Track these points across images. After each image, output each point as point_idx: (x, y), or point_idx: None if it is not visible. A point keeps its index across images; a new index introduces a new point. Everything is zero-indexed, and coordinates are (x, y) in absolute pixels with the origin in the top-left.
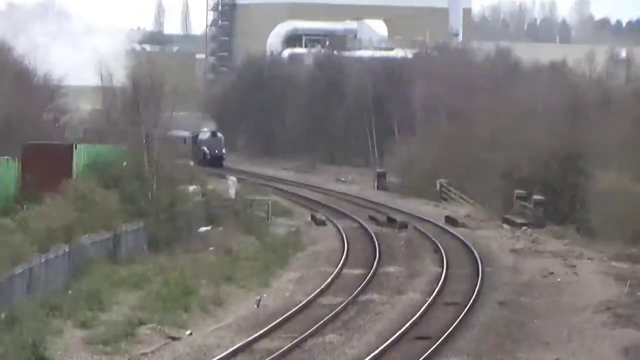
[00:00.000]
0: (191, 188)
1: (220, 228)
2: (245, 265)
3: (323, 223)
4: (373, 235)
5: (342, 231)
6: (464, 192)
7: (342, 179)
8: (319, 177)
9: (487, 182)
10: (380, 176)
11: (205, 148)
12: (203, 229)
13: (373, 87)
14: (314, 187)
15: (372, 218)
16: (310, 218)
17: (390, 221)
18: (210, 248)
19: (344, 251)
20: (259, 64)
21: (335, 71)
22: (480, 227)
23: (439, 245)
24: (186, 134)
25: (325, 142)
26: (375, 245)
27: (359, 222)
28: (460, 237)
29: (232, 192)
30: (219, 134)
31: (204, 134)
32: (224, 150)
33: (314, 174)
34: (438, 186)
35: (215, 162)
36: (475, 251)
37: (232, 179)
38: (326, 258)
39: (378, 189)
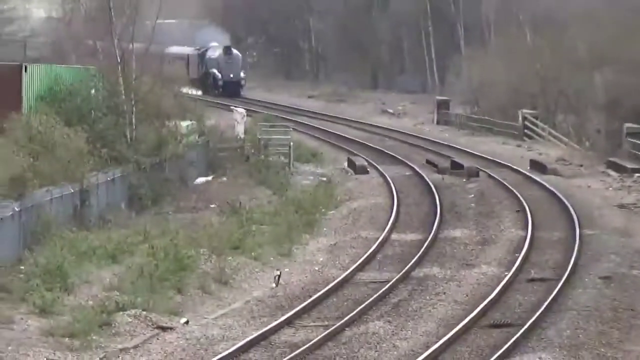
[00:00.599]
0: (184, 124)
1: (225, 178)
2: (260, 228)
3: (364, 170)
4: (432, 187)
5: (390, 181)
6: (555, 128)
7: (390, 110)
8: (357, 107)
9: (587, 114)
10: (442, 106)
11: (215, 71)
12: (202, 179)
13: None
14: (350, 122)
15: (430, 163)
16: (346, 164)
17: (456, 167)
18: (212, 205)
19: (392, 209)
20: None
21: None
22: (577, 174)
23: (522, 199)
24: (189, 50)
25: (366, 60)
26: (435, 201)
27: (413, 169)
28: (551, 188)
29: (240, 130)
30: (235, 51)
31: (214, 51)
32: (242, 74)
33: (350, 104)
34: (520, 119)
35: (230, 89)
36: (570, 207)
37: (239, 111)
38: (369, 218)
39: (438, 123)
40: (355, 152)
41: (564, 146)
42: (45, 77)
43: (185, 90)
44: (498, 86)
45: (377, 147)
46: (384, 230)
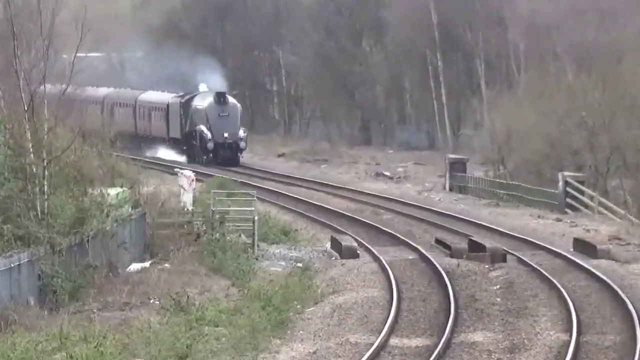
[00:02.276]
0: (114, 192)
1: (167, 264)
2: (214, 331)
3: (353, 253)
4: (444, 275)
5: (387, 268)
6: (607, 196)
7: (386, 172)
8: (343, 169)
9: None
10: (455, 167)
11: (204, 128)
12: (137, 265)
13: (438, 6)
14: (334, 188)
15: (441, 244)
16: (329, 245)
17: (476, 249)
18: (151, 300)
19: (391, 304)
20: None
21: None
22: (637, 257)
23: (563, 291)
24: (169, 98)
25: (354, 105)
26: (448, 294)
27: (418, 251)
28: (602, 276)
29: (187, 199)
30: (232, 99)
31: (202, 99)
32: (241, 132)
33: (334, 164)
34: (561, 185)
35: (224, 155)
36: (629, 302)
37: (186, 174)
38: (359, 317)
39: (451, 190)
40: (341, 229)
41: (620, 220)
42: None
43: (162, 154)
44: (531, 140)
45: (370, 222)
46: (380, 333)
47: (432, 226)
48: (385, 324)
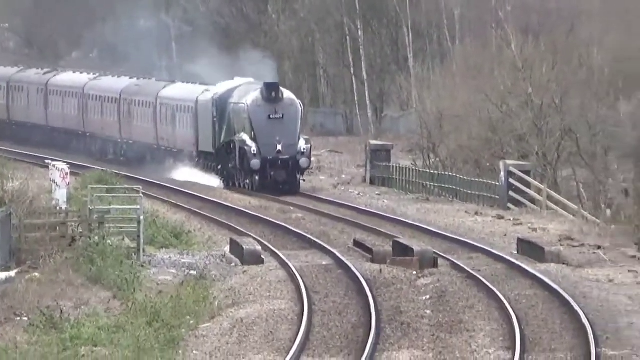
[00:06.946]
0: None
1: (37, 274)
2: (93, 352)
3: (257, 259)
4: (364, 284)
5: (297, 275)
6: (557, 188)
7: None
8: None
9: (608, 166)
10: (378, 155)
11: (246, 138)
12: (1, 275)
13: None
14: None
15: (361, 246)
16: (228, 249)
17: (401, 253)
18: (18, 317)
19: (302, 319)
20: None
21: None
22: (593, 261)
23: (505, 302)
24: (198, 93)
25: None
26: (368, 306)
27: (334, 256)
28: (551, 283)
29: (60, 196)
30: (288, 94)
31: (244, 94)
32: (302, 143)
33: None
34: (503, 176)
35: (277, 177)
36: (582, 314)
37: (59, 167)
38: (264, 335)
39: (373, 182)
40: (242, 229)
41: (572, 217)
42: None
43: (189, 174)
44: (467, 124)
45: (277, 221)
46: (289, 353)
47: (350, 226)
48: (295, 341)
